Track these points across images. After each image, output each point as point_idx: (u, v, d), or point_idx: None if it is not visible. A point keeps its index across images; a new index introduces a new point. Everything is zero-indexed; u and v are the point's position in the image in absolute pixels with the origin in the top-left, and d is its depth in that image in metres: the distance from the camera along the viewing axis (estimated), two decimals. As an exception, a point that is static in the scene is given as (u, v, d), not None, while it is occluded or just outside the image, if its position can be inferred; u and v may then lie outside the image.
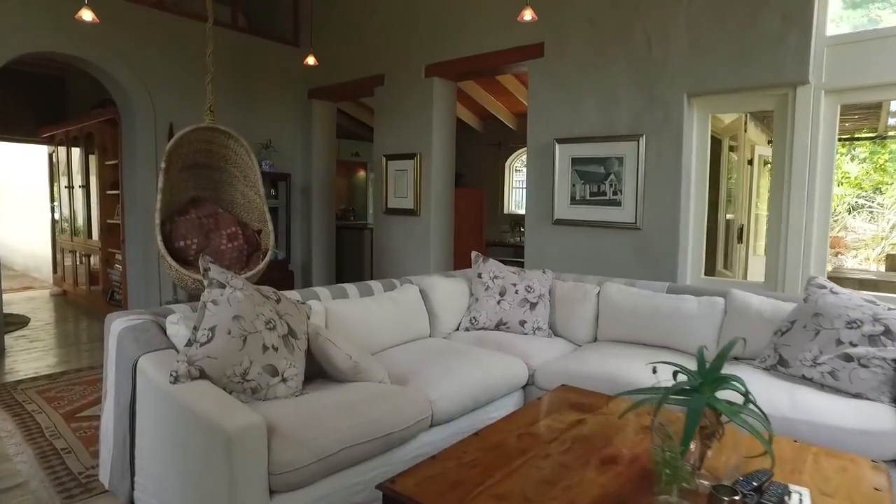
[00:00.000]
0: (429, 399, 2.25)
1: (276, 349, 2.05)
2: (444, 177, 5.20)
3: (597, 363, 2.73)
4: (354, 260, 7.52)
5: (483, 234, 5.97)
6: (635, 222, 3.89)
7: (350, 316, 2.71)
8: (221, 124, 3.78)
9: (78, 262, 6.63)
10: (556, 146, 4.22)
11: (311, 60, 4.55)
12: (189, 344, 1.90)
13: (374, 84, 5.46)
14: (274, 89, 6.01)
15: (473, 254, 3.52)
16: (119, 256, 5.57)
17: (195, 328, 1.93)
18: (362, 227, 7.87)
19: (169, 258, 3.37)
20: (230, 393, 1.94)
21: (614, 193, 3.99)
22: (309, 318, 2.39)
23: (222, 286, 2.04)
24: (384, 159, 5.40)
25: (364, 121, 10.11)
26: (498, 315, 3.31)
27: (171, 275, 3.48)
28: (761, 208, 4.51)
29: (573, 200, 4.19)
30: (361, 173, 10.97)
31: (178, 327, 2.06)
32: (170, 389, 1.77)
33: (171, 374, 1.80)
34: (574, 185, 4.18)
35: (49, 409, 3.14)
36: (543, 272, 3.52)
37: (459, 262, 5.47)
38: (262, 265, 3.67)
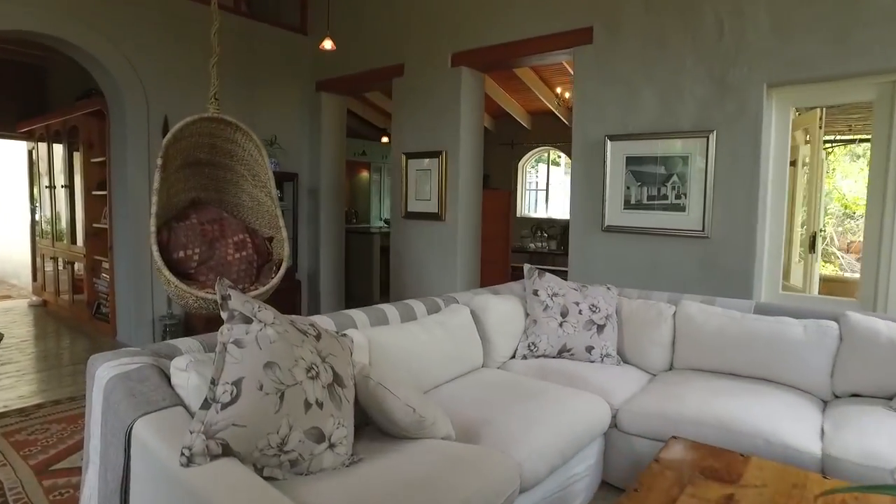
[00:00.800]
0: (516, 462, 1.73)
1: (320, 405, 1.52)
2: (472, 177, 4.69)
3: (698, 403, 2.23)
4: (362, 268, 6.98)
5: (510, 241, 5.47)
6: (703, 230, 3.40)
7: (395, 347, 2.18)
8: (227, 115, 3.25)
9: (60, 270, 6.03)
10: (608, 144, 3.72)
11: (327, 44, 4.02)
12: (206, 405, 1.37)
13: (392, 75, 4.94)
14: (279, 81, 5.47)
15: (527, 267, 3.01)
16: (106, 265, 5.00)
17: (213, 381, 1.40)
18: (370, 232, 7.33)
19: (167, 272, 2.83)
20: (262, 469, 1.41)
21: (677, 197, 3.51)
22: (352, 353, 1.87)
23: (247, 320, 1.51)
24: (403, 158, 4.88)
25: (369, 119, 9.58)
26: (561, 340, 2.80)
27: (169, 291, 2.94)
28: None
29: (627, 205, 3.70)
30: (364, 174, 10.44)
31: (187, 375, 1.53)
32: (181, 474, 1.24)
33: (183, 453, 1.27)
34: (629, 188, 3.69)
35: (17, 457, 2.56)
36: (608, 288, 3.02)
37: (487, 272, 4.96)
38: (275, 280, 3.14)
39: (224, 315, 1.53)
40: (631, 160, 3.66)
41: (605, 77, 3.76)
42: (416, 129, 4.79)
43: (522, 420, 1.97)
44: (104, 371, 1.54)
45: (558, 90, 6.32)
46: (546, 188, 9.12)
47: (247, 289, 3.12)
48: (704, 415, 2.14)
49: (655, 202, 3.59)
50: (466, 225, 4.67)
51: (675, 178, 3.51)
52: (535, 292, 2.91)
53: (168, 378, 1.59)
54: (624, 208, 3.71)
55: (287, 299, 5.20)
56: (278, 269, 3.28)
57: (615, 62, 3.71)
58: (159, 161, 2.95)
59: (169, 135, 3.00)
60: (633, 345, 2.90)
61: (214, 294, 2.87)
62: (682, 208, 3.49)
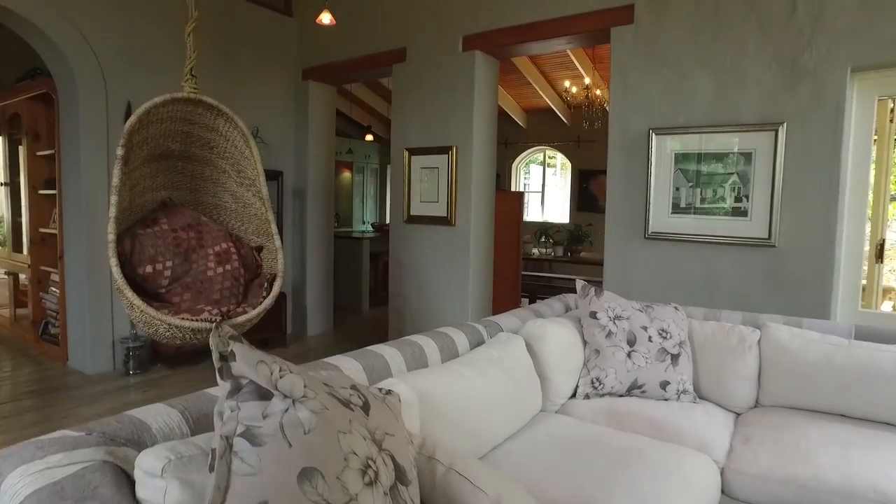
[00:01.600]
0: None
1: (384, 528, 0.95)
2: (486, 176, 4.15)
3: (837, 463, 1.73)
4: (350, 276, 6.36)
5: (521, 249, 4.95)
6: (768, 237, 2.94)
7: (447, 398, 1.61)
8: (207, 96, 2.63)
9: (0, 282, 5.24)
10: (653, 138, 3.23)
11: (326, 18, 3.43)
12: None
13: (392, 60, 4.37)
14: (262, 67, 4.83)
15: (580, 283, 2.48)
16: (56, 277, 4.27)
17: (213, 508, 0.81)
18: (359, 237, 6.72)
19: (129, 292, 2.19)
20: None
21: (737, 200, 3.03)
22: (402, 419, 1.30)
23: (264, 395, 0.93)
24: (406, 154, 4.31)
25: (350, 114, 8.96)
26: (631, 374, 2.27)
27: (133, 316, 2.30)
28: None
29: (676, 209, 3.21)
30: (346, 174, 9.81)
31: (163, 486, 0.93)
32: None
33: None
34: (678, 189, 3.20)
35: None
36: (676, 308, 2.51)
37: (498, 285, 4.42)
38: (268, 300, 2.53)
39: (224, 385, 0.94)
40: (681, 157, 3.18)
41: (650, 62, 3.27)
42: (422, 123, 4.23)
43: (635, 502, 1.42)
44: (18, 482, 0.93)
45: (566, 84, 5.84)
46: (542, 190, 8.65)
47: (233, 311, 2.51)
48: (858, 484, 1.64)
49: (710, 205, 3.11)
50: (480, 231, 4.12)
51: (734, 177, 3.04)
52: (594, 315, 2.38)
53: (131, 485, 0.98)
54: (672, 212, 3.22)
55: (269, 314, 4.57)
56: (271, 285, 2.68)
57: (661, 45, 3.23)
58: (119, 151, 2.32)
59: (133, 118, 2.37)
60: (709, 377, 2.40)
61: (192, 320, 2.26)
62: (743, 213, 3.02)
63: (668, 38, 3.20)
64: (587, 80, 5.66)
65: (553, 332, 2.21)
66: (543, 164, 8.64)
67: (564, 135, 8.16)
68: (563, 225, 7.33)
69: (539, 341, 2.17)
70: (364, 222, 10.40)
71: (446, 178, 4.07)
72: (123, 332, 3.98)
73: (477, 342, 2.14)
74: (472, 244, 4.04)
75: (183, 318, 2.25)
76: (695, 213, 3.16)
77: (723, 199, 3.07)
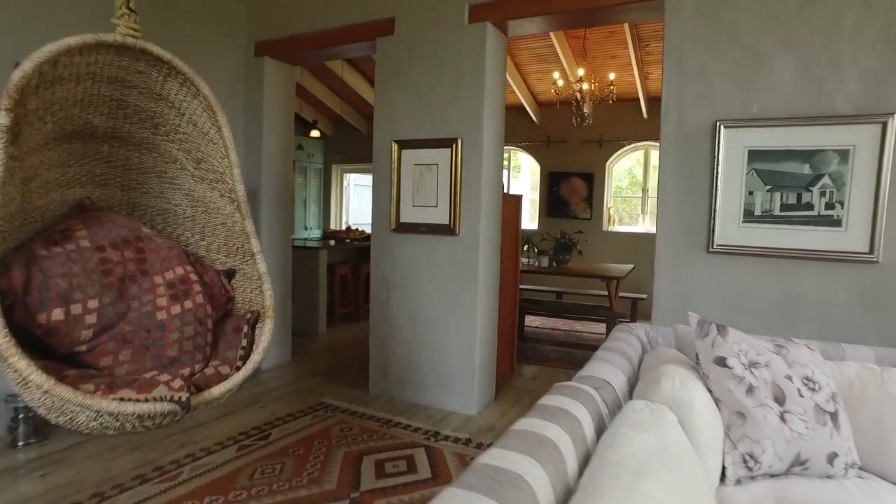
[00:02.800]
0: None
1: None
2: (496, 175, 3.45)
3: None
4: (305, 293, 5.43)
5: (519, 261, 4.28)
6: (869, 251, 2.43)
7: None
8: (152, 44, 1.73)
9: None
10: (721, 131, 2.66)
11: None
12: None
13: (375, 33, 3.57)
14: (203, 38, 3.85)
15: (695, 318, 1.81)
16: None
17: None
18: (312, 247, 5.79)
19: (19, 360, 1.28)
20: None
21: (829, 206, 2.51)
22: None
23: None
24: (394, 148, 3.51)
25: (298, 111, 8.01)
26: (792, 447, 1.62)
27: (31, 398, 1.38)
28: None
29: (749, 216, 2.65)
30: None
31: None
32: None
33: None
34: (751, 194, 2.64)
35: None
36: (808, 348, 1.91)
37: (500, 306, 3.72)
38: (255, 359, 1.69)
39: None
40: (757, 155, 2.62)
41: (713, 39, 2.70)
42: (417, 110, 3.45)
43: None
44: None
45: (555, 75, 5.25)
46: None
47: (200, 375, 1.64)
48: None
49: (794, 213, 2.58)
50: (489, 242, 3.41)
51: (825, 179, 2.51)
52: (722, 362, 1.72)
53: None
54: (744, 221, 2.66)
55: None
56: (252, 329, 1.83)
57: (727, 18, 2.67)
58: (2, 121, 1.41)
59: (26, 67, 1.46)
60: (867, 441, 1.81)
61: (139, 401, 1.39)
62: (835, 221, 2.50)
63: (735, 11, 2.64)
64: (580, 72, 5.11)
65: (699, 394, 1.53)
66: (508, 165, 8.06)
67: (533, 134, 7.62)
68: (535, 231, 6.77)
69: (687, 410, 1.49)
70: (307, 228, 9.38)
71: (448, 176, 3.33)
72: (8, 386, 2.90)
73: (596, 416, 1.42)
74: (480, 259, 3.32)
75: (121, 399, 1.38)
76: (773, 223, 2.61)
77: (810, 205, 2.54)
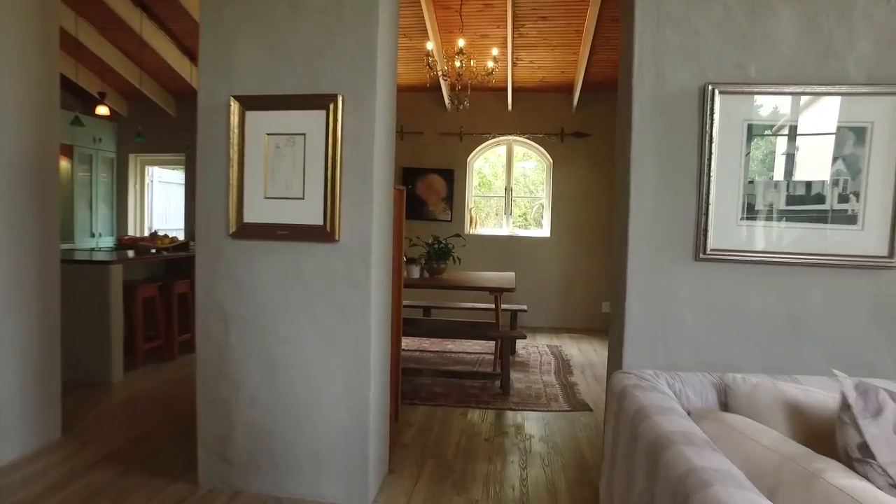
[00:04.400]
0: None
1: None
2: (389, 156, 2.41)
3: None
4: (89, 327, 3.74)
5: (402, 268, 3.26)
6: (889, 255, 1.94)
7: None
8: None
9: None
10: (716, 98, 1.98)
11: None
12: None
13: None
14: None
15: (849, 381, 1.02)
16: None
17: None
18: (99, 261, 4.09)
19: None
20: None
21: (842, 199, 1.98)
22: None
23: None
24: (235, 108, 2.26)
25: (77, 80, 6.03)
26: None
27: None
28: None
29: (749, 211, 2.02)
30: (64, 163, 6.61)
31: None
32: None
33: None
34: (752, 182, 2.01)
35: None
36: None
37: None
38: None
39: None
40: (758, 129, 2.00)
41: (697, -24, 2.02)
42: (271, 50, 2.25)
43: None
44: None
45: (429, 46, 4.33)
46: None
47: None
48: None
49: (803, 207, 2.00)
50: (381, 251, 2.36)
51: (839, 164, 1.97)
52: (869, 464, 0.95)
53: None
54: (743, 217, 2.02)
55: None
56: None
57: (714, -50, 2.01)
58: None
59: None
60: None
61: None
62: (849, 217, 1.97)
63: (728, -59, 1.99)
64: (461, 43, 4.25)
65: None
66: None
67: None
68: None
69: None
70: (94, 235, 7.20)
71: (323, 153, 2.20)
72: None
73: None
74: (373, 275, 2.25)
75: None
76: (776, 220, 2.01)
77: (821, 196, 1.99)
